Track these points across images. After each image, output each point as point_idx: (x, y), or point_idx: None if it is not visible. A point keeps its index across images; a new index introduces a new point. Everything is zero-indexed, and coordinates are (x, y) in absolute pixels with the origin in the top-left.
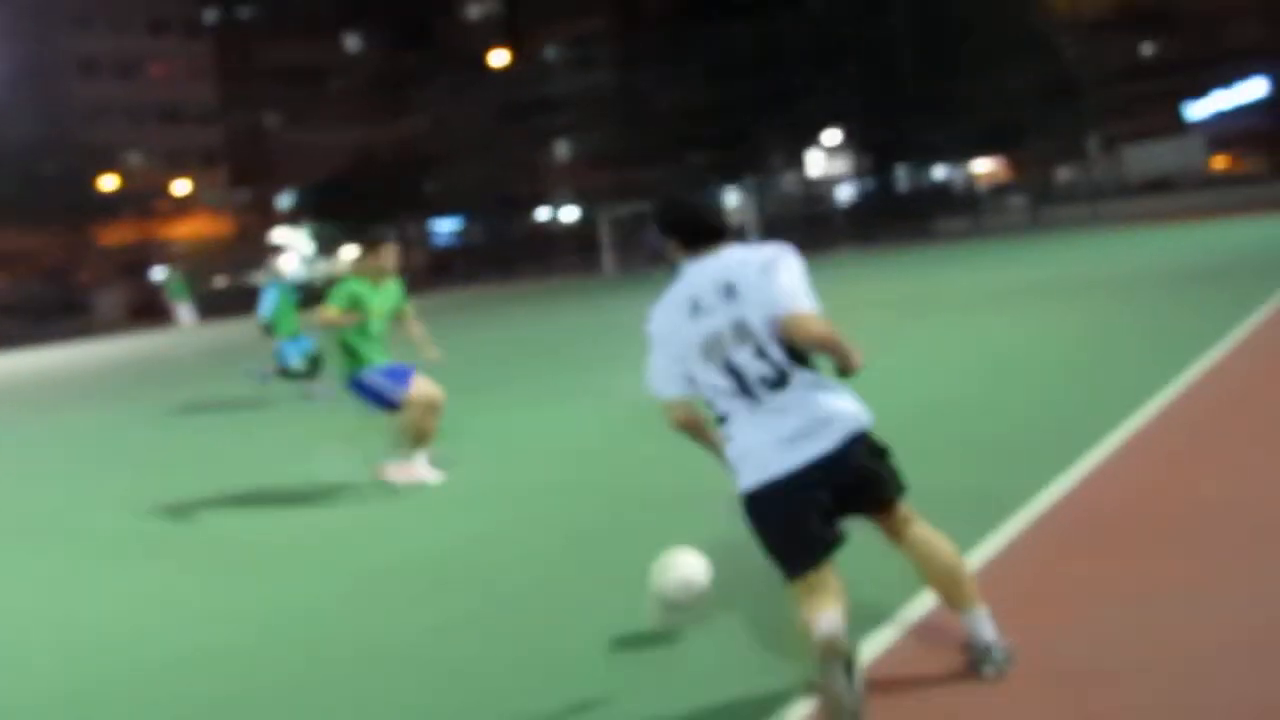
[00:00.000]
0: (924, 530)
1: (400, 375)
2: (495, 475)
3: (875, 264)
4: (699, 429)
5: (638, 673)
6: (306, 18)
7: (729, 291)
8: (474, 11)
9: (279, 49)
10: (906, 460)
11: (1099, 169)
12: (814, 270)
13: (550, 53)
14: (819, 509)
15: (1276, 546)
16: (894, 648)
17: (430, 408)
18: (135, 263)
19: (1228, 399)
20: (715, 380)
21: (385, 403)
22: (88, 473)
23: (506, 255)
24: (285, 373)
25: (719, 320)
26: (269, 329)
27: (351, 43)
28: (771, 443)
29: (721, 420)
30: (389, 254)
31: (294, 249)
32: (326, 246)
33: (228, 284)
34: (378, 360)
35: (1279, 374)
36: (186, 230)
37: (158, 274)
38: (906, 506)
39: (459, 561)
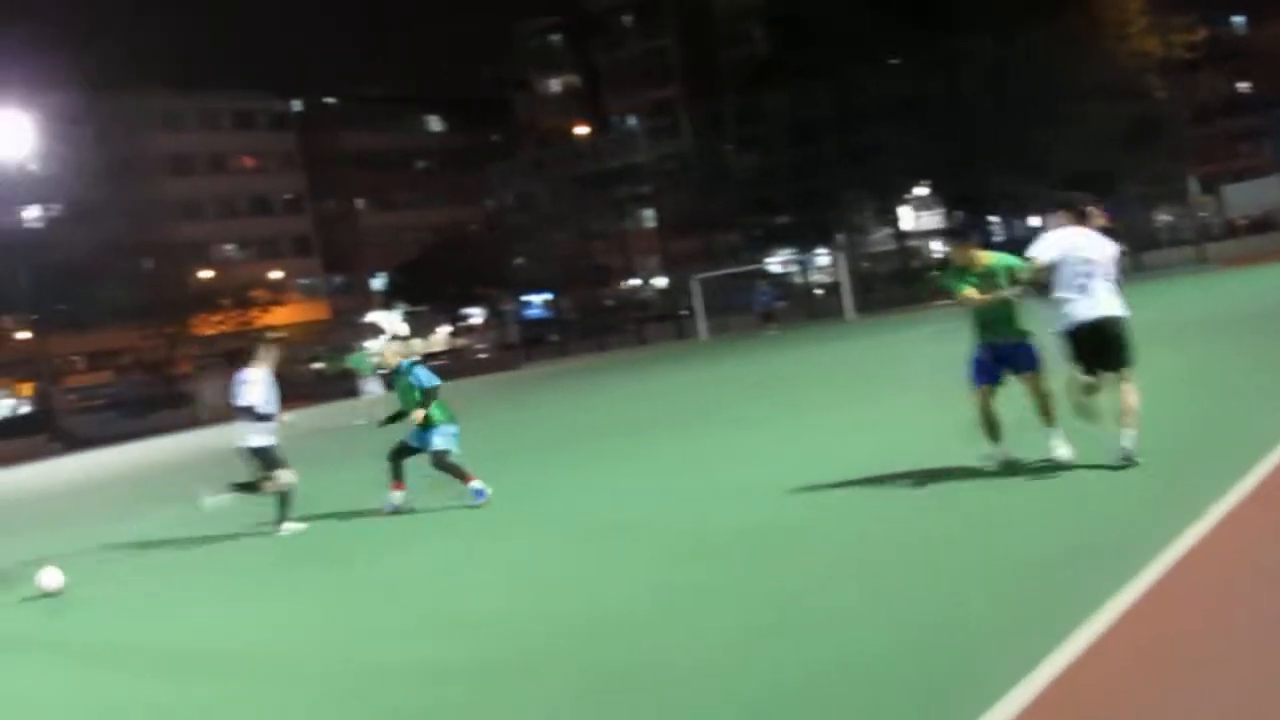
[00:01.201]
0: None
1: (976, 368)
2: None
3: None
4: (1038, 273)
5: None
6: (387, 102)
7: (1089, 242)
8: (552, 85)
9: (362, 135)
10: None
11: (1205, 210)
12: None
13: (629, 122)
14: (1097, 341)
15: None
16: None
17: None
18: (233, 352)
19: None
20: (1071, 274)
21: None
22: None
23: (598, 326)
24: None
25: (1080, 252)
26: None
27: (433, 123)
28: (1083, 309)
29: (1059, 287)
30: (971, 249)
31: (389, 330)
32: (421, 328)
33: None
34: (983, 337)
35: None
36: (282, 317)
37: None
38: (1128, 373)
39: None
